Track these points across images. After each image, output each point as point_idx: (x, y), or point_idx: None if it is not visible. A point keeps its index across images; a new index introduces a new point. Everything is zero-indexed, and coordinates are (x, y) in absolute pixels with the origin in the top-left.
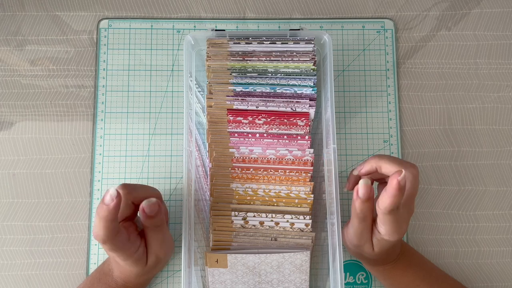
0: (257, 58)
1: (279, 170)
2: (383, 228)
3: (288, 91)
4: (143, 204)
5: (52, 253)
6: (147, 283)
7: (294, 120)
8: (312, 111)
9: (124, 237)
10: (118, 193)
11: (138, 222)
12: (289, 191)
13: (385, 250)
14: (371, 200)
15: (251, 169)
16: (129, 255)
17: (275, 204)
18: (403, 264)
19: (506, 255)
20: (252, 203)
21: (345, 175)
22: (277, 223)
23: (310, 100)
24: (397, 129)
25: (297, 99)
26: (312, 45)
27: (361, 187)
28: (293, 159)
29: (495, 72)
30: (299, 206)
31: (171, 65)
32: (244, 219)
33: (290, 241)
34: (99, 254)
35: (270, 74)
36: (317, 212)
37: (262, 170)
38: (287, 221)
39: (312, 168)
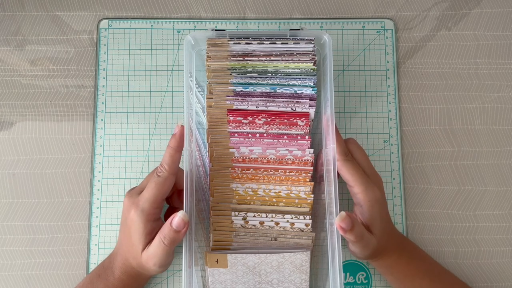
0: (257, 58)
1: (279, 170)
2: (356, 190)
3: (288, 91)
4: (178, 214)
5: (52, 253)
6: (145, 281)
7: (294, 120)
8: (312, 111)
9: (170, 184)
10: (183, 127)
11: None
12: (289, 191)
13: (382, 227)
14: (355, 223)
15: (251, 169)
16: (157, 209)
17: (275, 204)
18: (406, 256)
19: (506, 255)
20: (252, 203)
21: None
22: (277, 223)
23: (310, 100)
24: (397, 129)
25: (297, 99)
26: (312, 45)
27: (342, 222)
28: (293, 159)
29: (495, 72)
30: (299, 206)
31: (171, 65)
32: (244, 219)
33: (290, 241)
34: (99, 254)
35: (270, 74)
36: (317, 212)
37: (262, 170)
38: (287, 221)
39: (312, 168)
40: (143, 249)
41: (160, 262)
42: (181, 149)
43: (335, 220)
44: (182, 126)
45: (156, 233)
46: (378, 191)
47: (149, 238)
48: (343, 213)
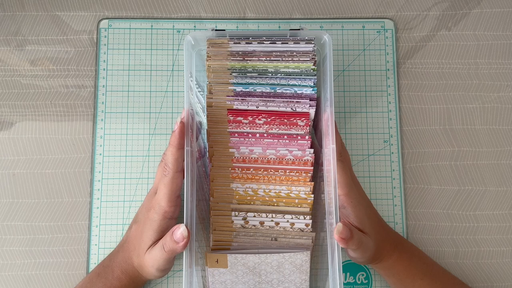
0: (257, 58)
1: (279, 170)
2: (339, 192)
3: (288, 91)
4: (180, 226)
5: (52, 253)
6: (142, 285)
7: (294, 120)
8: (312, 111)
9: (179, 181)
10: (183, 124)
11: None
12: (289, 191)
13: (372, 226)
14: (353, 231)
15: (251, 169)
16: (172, 207)
17: (275, 204)
18: (407, 255)
19: (506, 255)
20: (252, 203)
21: None
22: (277, 223)
23: (310, 100)
24: (397, 129)
25: (297, 99)
26: (312, 45)
27: (341, 233)
28: (293, 159)
29: (495, 72)
30: (299, 206)
31: (171, 65)
32: (244, 219)
33: (290, 241)
34: (99, 254)
35: (270, 74)
36: (317, 212)
37: (262, 170)
38: (287, 221)
39: (312, 168)
40: (150, 246)
41: (158, 266)
42: (183, 145)
43: (334, 234)
44: (182, 123)
45: (172, 223)
46: (361, 192)
47: (160, 237)
48: (339, 224)
